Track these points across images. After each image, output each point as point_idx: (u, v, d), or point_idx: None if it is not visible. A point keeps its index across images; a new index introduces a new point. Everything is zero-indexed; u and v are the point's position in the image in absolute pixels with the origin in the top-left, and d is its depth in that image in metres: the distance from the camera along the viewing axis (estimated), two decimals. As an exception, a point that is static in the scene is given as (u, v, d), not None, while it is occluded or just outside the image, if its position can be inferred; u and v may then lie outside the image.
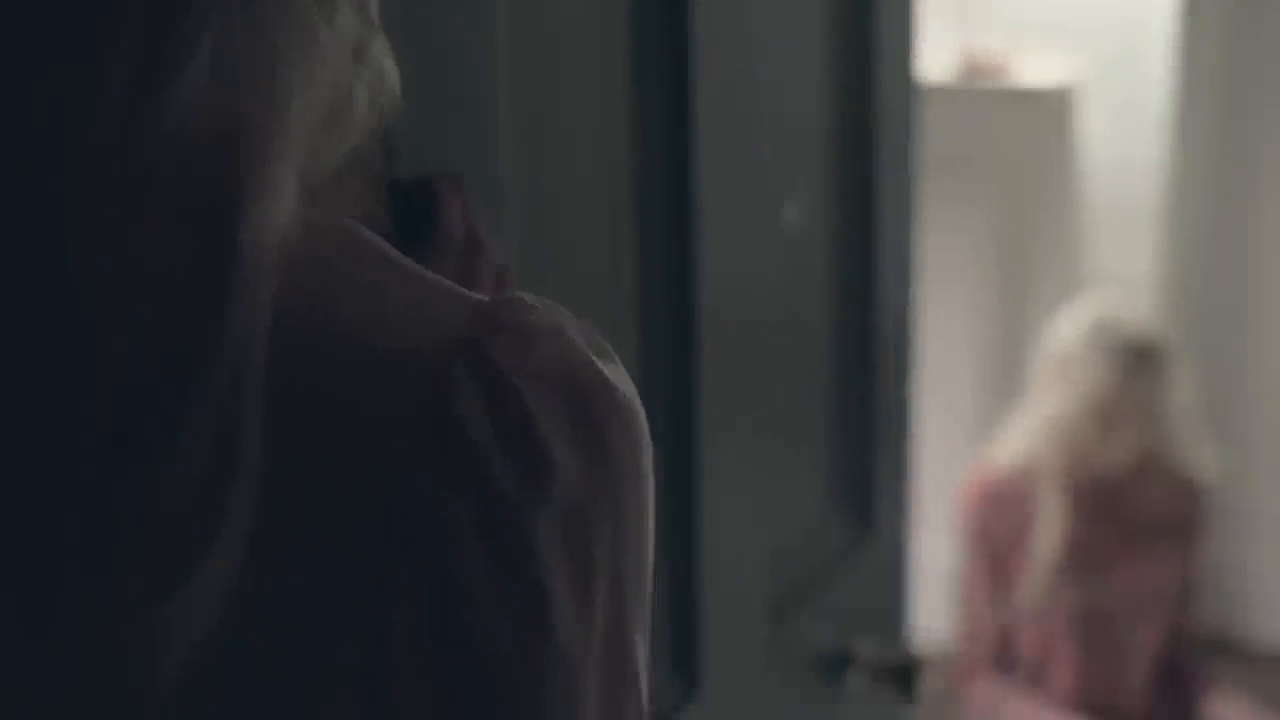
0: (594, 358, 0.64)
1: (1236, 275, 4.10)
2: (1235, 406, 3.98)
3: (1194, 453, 3.34)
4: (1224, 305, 4.10)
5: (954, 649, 3.42)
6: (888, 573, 1.59)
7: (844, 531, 1.50)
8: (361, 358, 0.60)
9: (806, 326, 1.43)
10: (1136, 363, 3.14)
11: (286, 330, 0.59)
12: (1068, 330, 3.20)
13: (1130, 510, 3.32)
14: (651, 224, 1.14)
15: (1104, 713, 3.39)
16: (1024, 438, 3.25)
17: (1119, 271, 3.81)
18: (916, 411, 1.62)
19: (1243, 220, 4.07)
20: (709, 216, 1.17)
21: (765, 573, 1.33)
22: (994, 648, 3.34)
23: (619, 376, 0.65)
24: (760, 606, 1.32)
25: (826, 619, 1.47)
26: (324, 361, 0.60)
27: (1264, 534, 4.20)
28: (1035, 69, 3.85)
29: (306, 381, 0.60)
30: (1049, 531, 3.23)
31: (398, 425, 0.59)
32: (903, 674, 1.53)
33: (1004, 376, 4.00)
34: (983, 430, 3.90)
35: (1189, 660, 3.48)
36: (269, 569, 0.59)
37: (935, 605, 3.54)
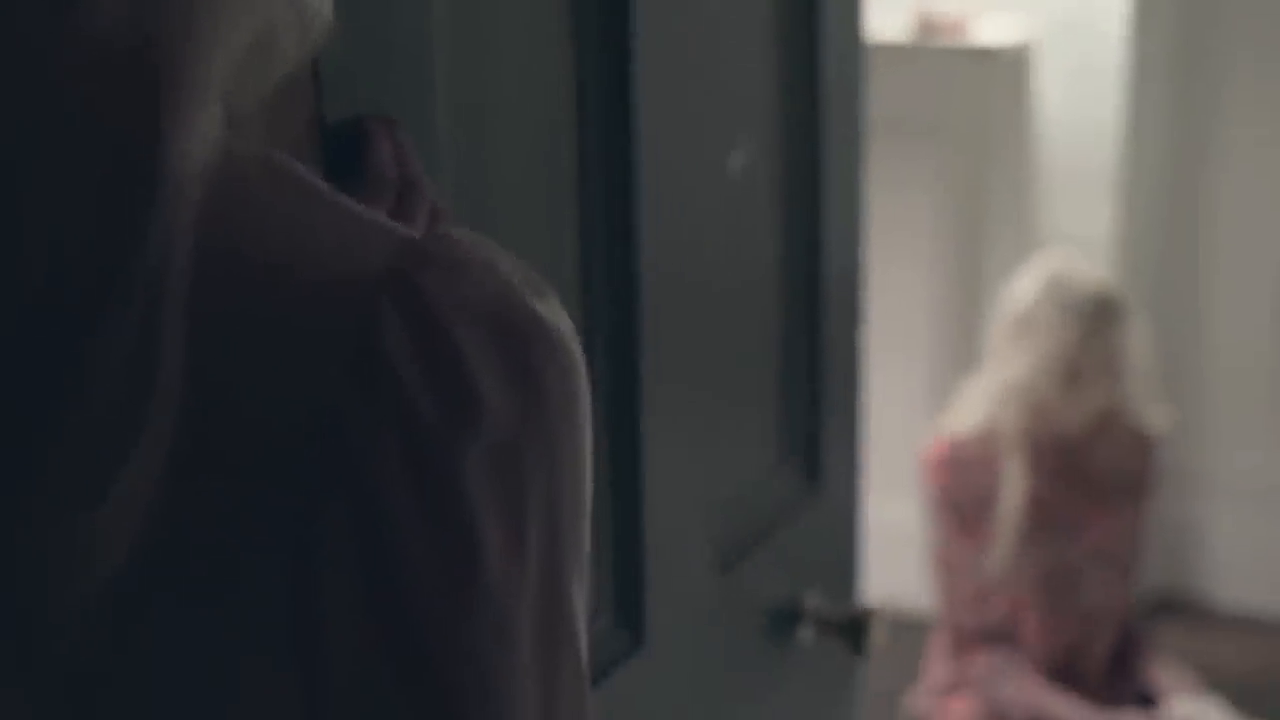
0: (527, 293, 0.63)
1: (1190, 236, 4.13)
2: (1187, 367, 4.00)
3: (1149, 410, 3.37)
4: (1177, 266, 4.13)
5: (934, 617, 3.45)
6: (837, 527, 1.59)
7: (793, 485, 1.50)
8: (288, 289, 0.60)
9: (753, 278, 1.42)
10: (1094, 319, 3.15)
11: (212, 258, 0.59)
12: (1025, 289, 3.22)
13: (1091, 468, 3.35)
14: (592, 172, 1.13)
15: (1070, 674, 3.42)
16: (984, 400, 3.26)
17: (1074, 232, 3.82)
18: (866, 366, 1.62)
19: (1196, 181, 4.09)
20: (652, 165, 1.16)
21: (712, 525, 1.33)
22: (971, 615, 3.37)
23: (554, 313, 0.64)
24: (706, 559, 1.32)
25: (775, 572, 1.47)
26: (250, 291, 0.60)
27: (1213, 493, 4.24)
28: (992, 29, 3.86)
29: (233, 310, 0.59)
30: (1012, 493, 3.25)
31: (324, 358, 0.59)
32: (852, 628, 1.53)
33: (961, 338, 4.01)
34: (941, 393, 3.91)
35: (1133, 628, 3.52)
36: (194, 496, 0.58)
37: (906, 571, 3.56)
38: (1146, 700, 3.50)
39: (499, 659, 0.61)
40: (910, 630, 3.61)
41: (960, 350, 3.99)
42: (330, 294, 0.60)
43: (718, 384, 1.33)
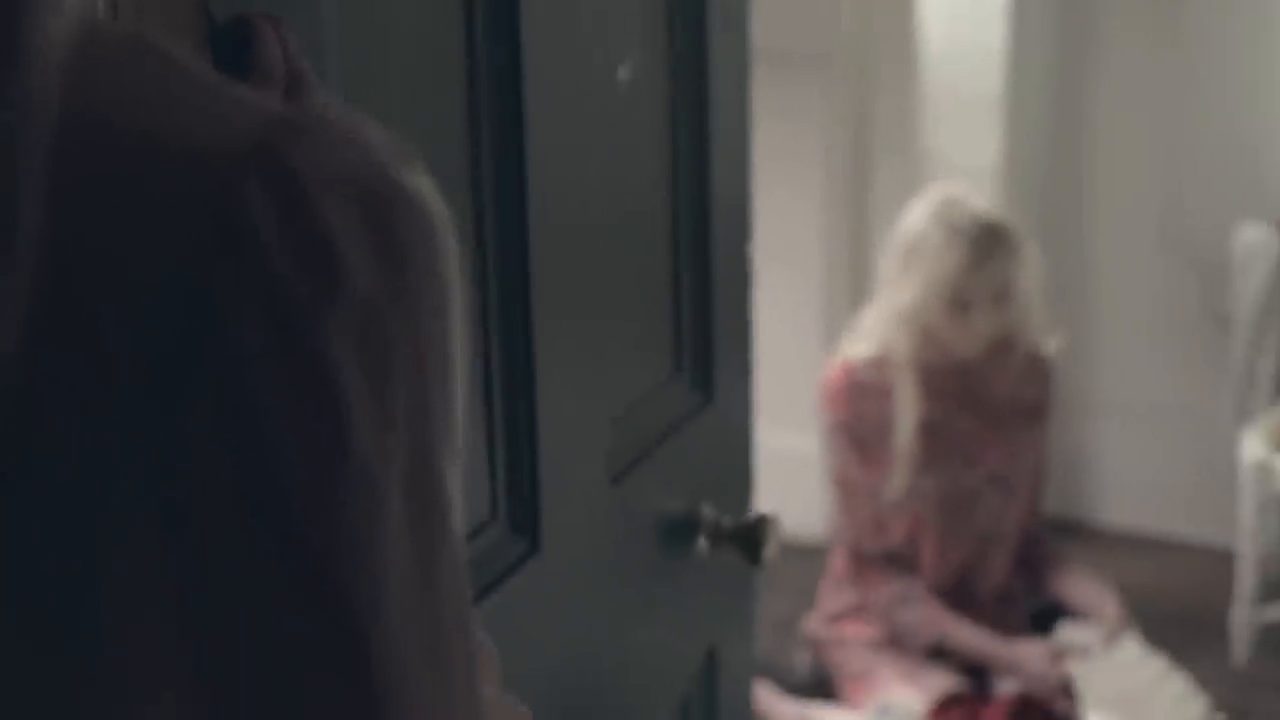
0: (395, 165, 0.63)
1: (1075, 162, 4.19)
2: (1073, 293, 4.07)
3: (1043, 335, 3.42)
4: (1063, 192, 4.19)
5: (834, 542, 3.49)
6: (730, 439, 1.62)
7: (685, 398, 1.52)
8: (156, 158, 0.60)
9: (642, 195, 1.44)
10: (986, 243, 3.18)
11: (78, 127, 0.59)
12: (917, 216, 3.24)
13: (987, 394, 3.40)
14: (480, 81, 1.14)
15: (965, 594, 3.48)
16: (879, 327, 3.30)
17: (960, 159, 3.87)
18: (755, 283, 1.65)
19: (1080, 107, 4.15)
20: (539, 79, 1.17)
21: (606, 436, 1.35)
22: (871, 540, 3.41)
23: (423, 188, 0.64)
24: (601, 468, 1.34)
25: (670, 483, 1.50)
26: (117, 161, 0.59)
27: (1100, 417, 4.32)
28: (876, -42, 3.89)
29: (99, 178, 0.59)
30: (907, 419, 3.29)
31: (189, 229, 0.59)
32: (747, 536, 1.56)
33: (852, 266, 4.05)
34: (835, 321, 3.96)
35: (1039, 539, 3.58)
36: (53, 366, 0.58)
37: (801, 498, 3.60)
38: (1058, 613, 3.58)
39: (370, 529, 0.61)
40: (806, 557, 3.67)
41: (851, 278, 4.04)
42: (197, 164, 0.59)
43: (609, 299, 1.35)
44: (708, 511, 1.56)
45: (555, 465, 1.24)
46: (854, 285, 3.99)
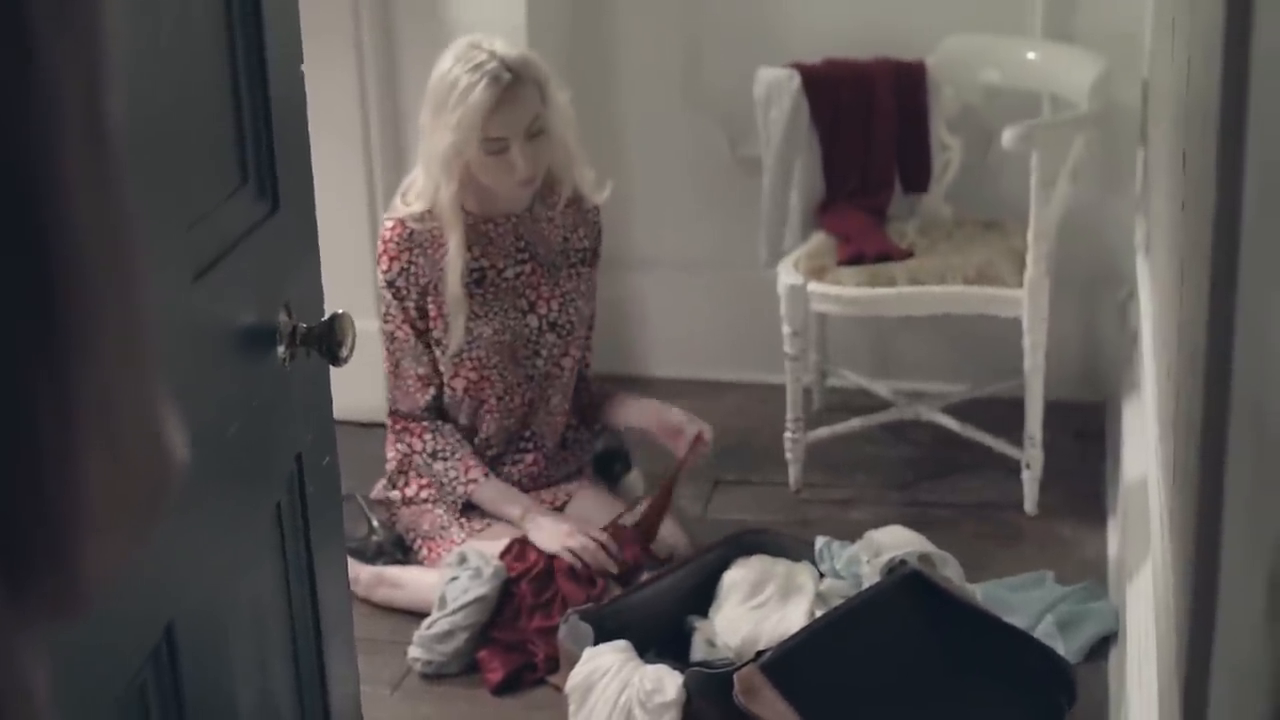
0: None
1: (596, 22, 4.44)
2: (606, 153, 4.31)
3: (588, 183, 3.65)
4: (587, 54, 4.43)
5: (390, 403, 3.65)
6: (298, 246, 1.79)
7: (252, 207, 1.68)
8: None
9: (204, 32, 1.58)
10: (510, 79, 3.38)
11: None
12: (445, 63, 3.41)
13: (539, 241, 3.61)
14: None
15: (530, 442, 3.70)
16: (425, 180, 3.47)
17: (485, 26, 4.04)
18: (307, 102, 1.82)
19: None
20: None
21: (182, 242, 1.50)
22: (415, 395, 3.59)
23: None
24: (182, 268, 1.49)
25: (246, 290, 1.66)
26: None
27: (641, 272, 4.60)
28: None
29: None
30: (456, 266, 3.48)
31: None
32: (324, 338, 1.74)
33: (389, 133, 4.20)
34: (382, 190, 4.12)
35: (589, 383, 3.84)
36: None
37: (365, 381, 3.70)
38: (622, 460, 3.84)
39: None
40: (374, 433, 3.84)
41: (389, 144, 4.20)
42: None
43: (175, 112, 1.48)
44: (284, 318, 1.73)
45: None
46: (395, 155, 4.15)
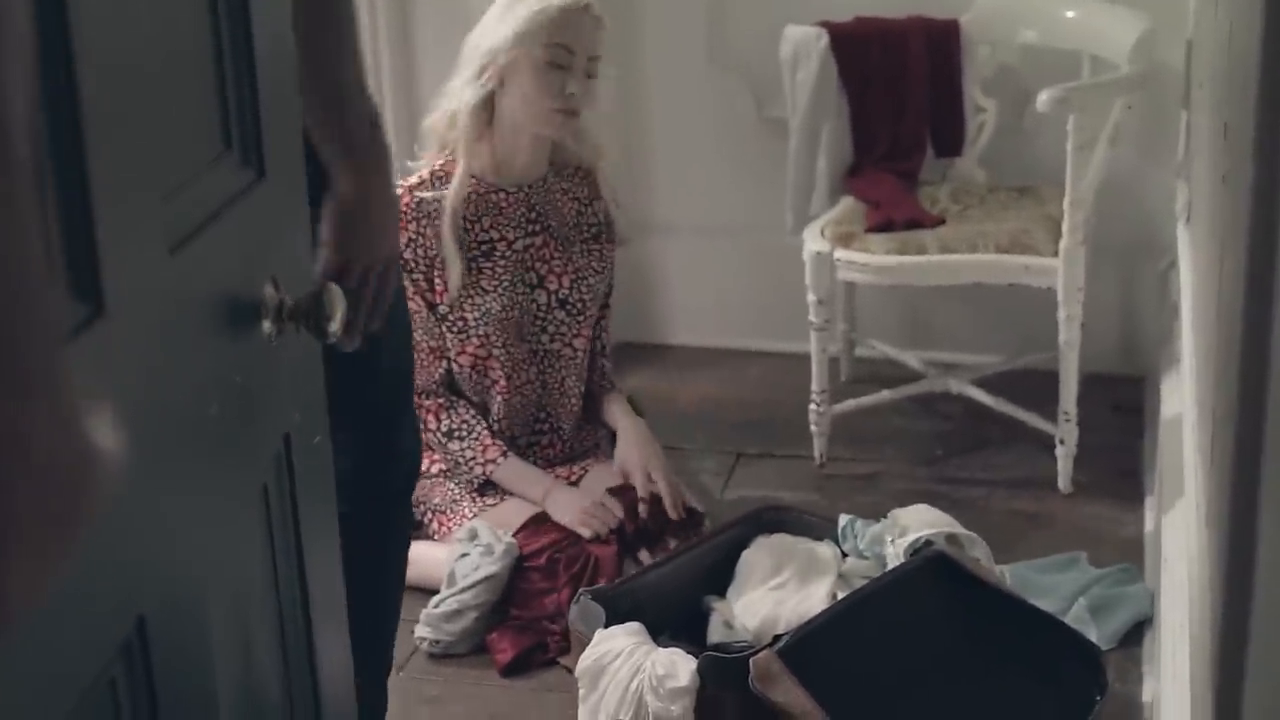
0: None
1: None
2: (630, 117, 4.26)
3: (602, 158, 3.61)
4: (612, 16, 4.37)
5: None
6: (285, 215, 1.73)
7: (237, 174, 1.63)
8: None
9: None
10: (590, 9, 3.41)
11: None
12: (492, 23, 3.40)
13: (552, 214, 3.56)
14: None
15: (544, 421, 3.66)
16: (440, 139, 3.45)
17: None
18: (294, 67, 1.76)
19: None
20: None
21: (160, 208, 1.44)
22: (428, 371, 3.55)
23: None
24: (159, 240, 1.44)
25: (230, 257, 1.60)
26: None
27: (665, 238, 4.55)
28: None
29: None
30: (450, 244, 3.44)
31: None
32: (311, 313, 1.68)
33: (406, 115, 4.15)
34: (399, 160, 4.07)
35: (602, 368, 3.79)
36: None
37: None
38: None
39: None
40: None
41: (401, 104, 4.15)
42: None
43: (157, 77, 1.43)
44: (270, 292, 1.67)
45: (114, 232, 1.33)
46: (408, 117, 4.10)
